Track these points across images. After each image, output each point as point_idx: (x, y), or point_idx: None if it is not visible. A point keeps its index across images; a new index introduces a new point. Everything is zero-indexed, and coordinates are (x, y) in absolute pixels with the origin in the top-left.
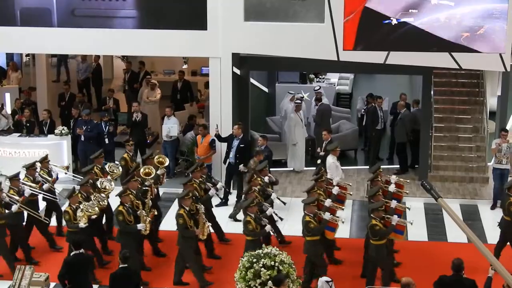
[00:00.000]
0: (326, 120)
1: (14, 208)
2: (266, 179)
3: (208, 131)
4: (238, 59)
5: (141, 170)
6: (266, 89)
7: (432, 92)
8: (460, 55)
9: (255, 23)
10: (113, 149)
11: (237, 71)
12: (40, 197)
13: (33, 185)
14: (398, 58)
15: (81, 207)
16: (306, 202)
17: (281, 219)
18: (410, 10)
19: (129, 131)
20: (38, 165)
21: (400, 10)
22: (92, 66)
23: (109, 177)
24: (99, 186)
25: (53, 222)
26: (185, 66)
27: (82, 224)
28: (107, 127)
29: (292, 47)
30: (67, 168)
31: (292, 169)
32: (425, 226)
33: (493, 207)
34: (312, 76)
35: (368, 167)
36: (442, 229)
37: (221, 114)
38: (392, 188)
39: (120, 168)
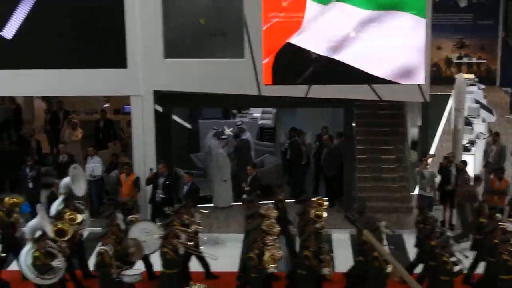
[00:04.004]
0: (247, 155)
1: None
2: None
3: (132, 170)
4: (160, 97)
5: (312, 211)
6: (189, 126)
7: (354, 124)
8: (380, 87)
9: (175, 60)
10: (38, 193)
11: (159, 109)
12: None
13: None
14: (319, 91)
15: (266, 253)
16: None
17: None
18: (329, 44)
19: (56, 173)
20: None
21: (320, 43)
22: (11, 108)
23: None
24: (266, 229)
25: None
26: (106, 105)
27: (273, 269)
28: (31, 171)
29: (214, 83)
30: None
31: (214, 205)
32: (352, 258)
33: None
34: (235, 111)
35: (293, 200)
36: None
37: (144, 152)
38: None
39: (275, 210)
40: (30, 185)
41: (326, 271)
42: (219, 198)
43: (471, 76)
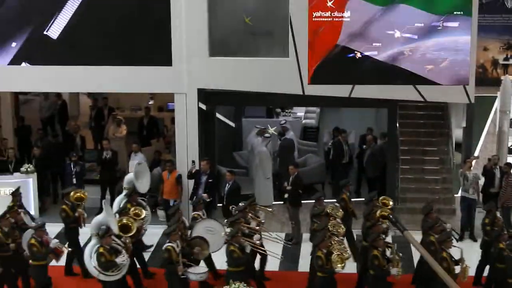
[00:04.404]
0: (290, 155)
1: (248, 249)
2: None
3: (175, 167)
4: (204, 95)
5: (378, 212)
6: (232, 124)
7: (397, 125)
8: (425, 87)
9: (220, 58)
10: (82, 189)
11: (203, 107)
12: None
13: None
14: (363, 91)
15: (335, 252)
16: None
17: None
18: (374, 44)
19: (100, 169)
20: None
21: (364, 43)
22: (57, 103)
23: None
24: (332, 229)
25: None
26: (151, 102)
27: (340, 268)
28: (75, 167)
29: (258, 82)
30: (272, 210)
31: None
32: None
33: (460, 238)
34: (278, 110)
35: (335, 200)
36: (410, 261)
37: (187, 150)
38: None
39: (341, 210)
40: (74, 181)
41: (394, 271)
42: (260, 197)
43: None
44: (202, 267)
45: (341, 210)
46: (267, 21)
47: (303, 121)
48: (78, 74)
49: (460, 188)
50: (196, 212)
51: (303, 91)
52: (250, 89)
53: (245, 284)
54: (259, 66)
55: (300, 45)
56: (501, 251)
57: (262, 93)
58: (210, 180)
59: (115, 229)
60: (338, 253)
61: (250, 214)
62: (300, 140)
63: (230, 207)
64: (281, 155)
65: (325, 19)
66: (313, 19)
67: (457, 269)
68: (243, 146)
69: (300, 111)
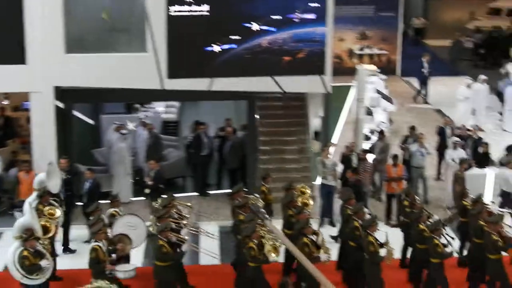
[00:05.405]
0: (157, 149)
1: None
2: None
3: (31, 167)
4: (61, 92)
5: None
6: (91, 121)
7: (257, 116)
8: (283, 78)
9: (77, 55)
10: None
11: (60, 105)
12: None
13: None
14: (222, 84)
15: (268, 242)
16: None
17: None
18: (232, 36)
19: None
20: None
21: (222, 36)
22: None
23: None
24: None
25: None
26: (5, 102)
27: (275, 257)
28: None
29: (116, 78)
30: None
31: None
32: None
33: (320, 225)
34: (137, 105)
35: (197, 193)
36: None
37: (44, 149)
38: None
39: (261, 201)
40: None
41: (324, 257)
42: (120, 193)
43: (373, 66)
44: (131, 264)
45: (261, 201)
46: (124, 17)
47: (163, 116)
48: None
49: (319, 176)
50: (114, 209)
51: (162, 86)
52: (108, 85)
53: (107, 282)
54: (118, 62)
55: (159, 40)
56: (422, 232)
57: (121, 88)
58: (68, 177)
59: (39, 231)
60: (271, 242)
61: (174, 210)
62: (161, 135)
63: (153, 203)
64: (149, 151)
65: (184, 13)
66: (171, 13)
67: (383, 251)
68: (102, 143)
69: (159, 106)
